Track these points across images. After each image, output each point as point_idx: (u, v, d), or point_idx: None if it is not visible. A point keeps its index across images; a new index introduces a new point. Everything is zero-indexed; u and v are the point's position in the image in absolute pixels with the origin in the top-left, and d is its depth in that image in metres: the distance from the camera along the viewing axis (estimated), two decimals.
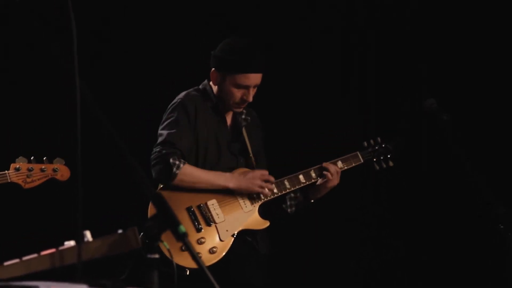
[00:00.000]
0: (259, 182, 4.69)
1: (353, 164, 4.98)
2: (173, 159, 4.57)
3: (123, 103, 5.87)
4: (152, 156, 4.62)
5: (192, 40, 6.05)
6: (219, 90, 4.75)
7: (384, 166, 5.09)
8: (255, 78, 4.69)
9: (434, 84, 6.02)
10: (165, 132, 4.67)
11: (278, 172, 4.86)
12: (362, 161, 5.00)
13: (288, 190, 4.83)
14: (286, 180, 4.83)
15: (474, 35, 6.05)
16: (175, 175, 4.56)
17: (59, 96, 5.78)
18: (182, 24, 6.09)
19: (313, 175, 4.88)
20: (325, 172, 4.85)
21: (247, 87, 4.69)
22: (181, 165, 4.58)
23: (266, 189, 4.71)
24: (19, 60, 5.81)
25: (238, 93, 4.70)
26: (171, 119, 4.71)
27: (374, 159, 5.06)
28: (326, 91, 6.25)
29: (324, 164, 4.89)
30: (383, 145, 5.08)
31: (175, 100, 4.78)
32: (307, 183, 4.86)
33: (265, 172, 4.74)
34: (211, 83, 4.81)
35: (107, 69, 5.91)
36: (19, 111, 5.78)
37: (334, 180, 4.87)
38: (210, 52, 4.79)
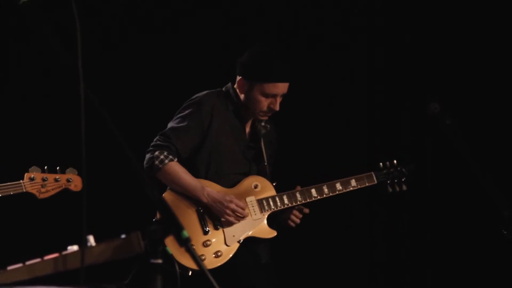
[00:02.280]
0: (229, 211, 4.63)
1: (367, 184, 4.94)
2: (159, 152, 4.59)
3: (130, 107, 5.89)
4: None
5: (209, 43, 6.07)
6: (246, 98, 4.75)
7: (398, 189, 5.05)
8: (283, 87, 4.70)
9: (438, 88, 6.02)
10: (169, 125, 4.70)
11: (291, 184, 4.86)
12: (376, 182, 4.97)
13: (299, 203, 4.82)
14: (298, 192, 4.82)
15: (477, 38, 6.04)
16: (158, 169, 4.57)
17: (70, 105, 5.79)
18: (196, 26, 6.10)
19: (326, 191, 4.86)
20: (292, 217, 4.85)
21: (274, 96, 4.69)
22: (166, 160, 4.58)
23: (233, 219, 4.66)
24: (31, 70, 5.82)
25: (265, 102, 4.70)
26: (182, 114, 4.72)
27: (388, 181, 5.02)
28: (331, 99, 6.26)
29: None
30: (399, 168, 5.05)
31: (194, 97, 4.78)
32: (319, 197, 4.85)
33: (242, 205, 4.70)
34: (235, 86, 4.80)
35: (112, 71, 5.92)
36: (28, 120, 5.79)
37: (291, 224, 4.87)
38: (236, 60, 4.78)
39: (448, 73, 6.10)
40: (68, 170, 4.38)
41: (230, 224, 4.67)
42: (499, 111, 6.01)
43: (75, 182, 4.38)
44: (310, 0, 6.24)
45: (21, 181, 4.29)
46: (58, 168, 4.35)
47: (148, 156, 4.62)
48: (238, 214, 4.64)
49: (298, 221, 4.87)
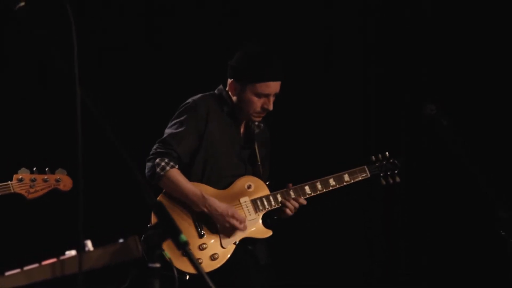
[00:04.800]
0: (228, 226, 4.62)
1: (360, 178, 4.94)
2: (160, 159, 4.58)
3: (127, 108, 5.88)
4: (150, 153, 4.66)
5: (200, 44, 6.07)
6: (238, 100, 4.74)
7: (391, 181, 5.04)
8: (275, 86, 4.70)
9: (436, 89, 6.02)
10: (167, 131, 4.69)
11: (285, 181, 4.85)
12: (369, 175, 4.96)
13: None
14: (291, 190, 4.81)
15: (474, 39, 6.05)
16: (160, 176, 4.56)
17: (61, 106, 5.80)
18: (190, 27, 6.10)
19: (319, 187, 4.86)
20: (285, 203, 4.79)
21: (267, 96, 4.69)
22: (167, 167, 4.57)
23: (231, 230, 4.65)
24: (21, 70, 5.82)
25: (258, 102, 4.70)
26: (178, 119, 4.71)
27: (381, 174, 5.02)
28: (331, 100, 6.26)
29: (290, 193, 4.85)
30: (391, 160, 5.05)
31: (188, 101, 4.77)
32: (313, 194, 4.85)
33: (242, 219, 4.67)
34: (227, 89, 4.80)
35: (109, 71, 5.92)
36: (20, 122, 5.79)
37: (289, 212, 4.80)
38: (227, 63, 4.78)
39: (444, 74, 6.10)
40: (57, 170, 4.42)
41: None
42: (496, 111, 6.01)
43: (64, 182, 4.42)
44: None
45: (9, 182, 4.33)
46: (47, 169, 4.38)
47: (149, 164, 4.61)
48: (237, 228, 4.64)
49: (293, 209, 4.77)
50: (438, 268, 6.17)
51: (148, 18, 6.07)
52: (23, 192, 4.35)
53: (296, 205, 4.77)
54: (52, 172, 4.42)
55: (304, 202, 4.80)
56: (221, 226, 4.63)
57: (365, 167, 4.97)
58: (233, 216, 4.63)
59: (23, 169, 4.36)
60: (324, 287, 6.15)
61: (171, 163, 4.58)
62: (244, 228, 4.67)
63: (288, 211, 4.77)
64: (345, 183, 4.90)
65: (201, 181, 4.70)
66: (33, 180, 4.36)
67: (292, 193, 4.81)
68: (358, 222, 6.31)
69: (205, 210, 4.61)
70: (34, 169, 4.38)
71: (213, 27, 6.10)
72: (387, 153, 5.05)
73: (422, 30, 6.16)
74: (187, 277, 4.46)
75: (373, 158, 5.03)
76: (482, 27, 6.04)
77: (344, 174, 4.92)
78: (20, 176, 4.35)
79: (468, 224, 5.99)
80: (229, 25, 6.11)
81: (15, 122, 5.77)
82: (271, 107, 4.71)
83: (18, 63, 5.82)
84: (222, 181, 4.76)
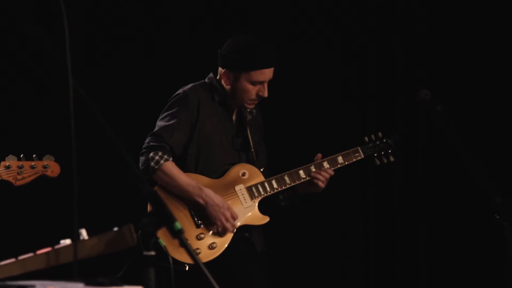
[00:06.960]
0: (223, 218, 4.61)
1: (354, 160, 4.94)
2: (153, 153, 4.57)
3: (120, 99, 5.87)
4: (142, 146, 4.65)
5: (188, 34, 6.06)
6: (232, 89, 4.72)
7: (385, 161, 5.05)
8: (269, 73, 4.69)
9: (430, 76, 6.03)
10: (159, 124, 4.67)
11: (279, 167, 4.85)
12: (363, 156, 4.96)
13: (288, 186, 4.81)
14: (286, 175, 4.81)
15: (470, 28, 6.05)
16: (154, 170, 4.55)
17: (47, 93, 5.79)
18: (178, 19, 6.09)
19: (314, 170, 4.86)
20: (316, 175, 4.81)
21: (262, 83, 4.69)
22: (161, 161, 4.56)
23: (229, 226, 4.63)
24: (7, 57, 5.79)
25: (253, 90, 4.69)
26: (170, 111, 4.69)
27: (375, 154, 5.02)
28: (325, 85, 6.25)
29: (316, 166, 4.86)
30: (384, 140, 5.05)
31: (179, 91, 4.75)
32: (308, 178, 4.85)
33: (236, 216, 4.66)
34: (219, 78, 4.78)
35: (104, 64, 5.92)
36: (6, 109, 5.77)
37: (322, 185, 4.83)
38: (217, 52, 4.75)
39: (439, 60, 6.10)
40: (45, 157, 4.41)
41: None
42: (490, 97, 6.01)
43: (52, 168, 4.41)
44: None
45: None
46: (34, 155, 4.37)
47: (142, 158, 4.60)
48: (229, 225, 4.63)
49: (324, 179, 4.80)
50: (435, 256, 6.19)
51: (138, 11, 6.05)
52: (10, 179, 4.34)
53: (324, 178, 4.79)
54: (40, 158, 4.40)
55: (332, 172, 4.82)
56: (214, 218, 4.61)
57: (359, 148, 4.97)
58: (228, 209, 4.62)
59: (10, 155, 4.34)
60: (320, 275, 6.18)
61: (165, 156, 4.57)
62: (233, 227, 4.66)
63: (319, 182, 4.77)
64: (339, 165, 4.90)
65: (195, 172, 4.70)
66: (20, 167, 4.35)
67: (287, 178, 4.80)
68: (353, 211, 6.32)
69: (201, 201, 4.60)
70: (22, 155, 4.37)
71: (204, 18, 6.09)
72: (380, 133, 5.06)
73: (419, 18, 6.16)
74: (187, 268, 4.46)
75: (366, 139, 5.03)
76: (478, 14, 6.04)
77: (338, 156, 4.92)
78: (7, 163, 4.34)
79: (464, 212, 6.00)
80: (221, 17, 6.09)
81: (2, 109, 5.75)
82: (266, 94, 4.71)
83: (4, 50, 5.81)
84: (216, 171, 4.75)
